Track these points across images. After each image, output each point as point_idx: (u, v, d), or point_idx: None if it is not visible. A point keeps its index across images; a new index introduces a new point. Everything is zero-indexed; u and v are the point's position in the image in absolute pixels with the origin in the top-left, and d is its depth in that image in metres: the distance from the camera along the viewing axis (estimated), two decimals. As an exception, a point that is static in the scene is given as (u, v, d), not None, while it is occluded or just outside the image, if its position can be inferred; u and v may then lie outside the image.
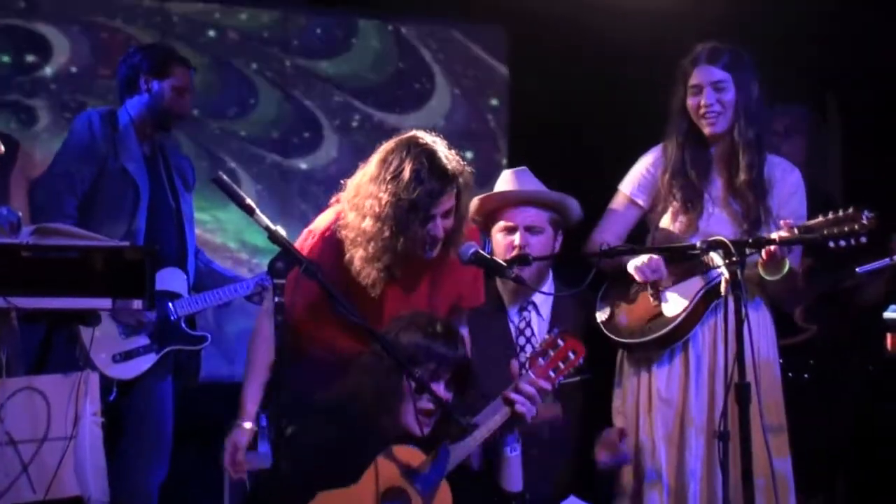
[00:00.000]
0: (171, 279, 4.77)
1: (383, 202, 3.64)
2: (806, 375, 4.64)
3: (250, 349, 3.87)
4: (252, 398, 3.77)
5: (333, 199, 3.90)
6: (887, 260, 4.05)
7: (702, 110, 4.08)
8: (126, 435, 4.77)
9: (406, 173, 3.63)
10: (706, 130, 4.10)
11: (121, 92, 4.90)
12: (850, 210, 3.74)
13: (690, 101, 4.11)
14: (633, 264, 4.06)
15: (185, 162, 5.09)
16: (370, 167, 3.73)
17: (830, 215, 3.76)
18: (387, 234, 3.66)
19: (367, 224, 3.67)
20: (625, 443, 4.10)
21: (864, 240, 3.73)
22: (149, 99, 4.82)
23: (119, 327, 4.65)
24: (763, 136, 4.12)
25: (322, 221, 3.88)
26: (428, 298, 3.87)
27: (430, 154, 3.67)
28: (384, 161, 3.69)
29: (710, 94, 4.07)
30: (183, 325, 4.78)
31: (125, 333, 4.66)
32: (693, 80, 4.10)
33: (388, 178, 3.66)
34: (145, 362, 4.70)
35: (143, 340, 4.70)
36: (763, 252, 3.87)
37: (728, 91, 4.07)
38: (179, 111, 4.89)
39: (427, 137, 3.74)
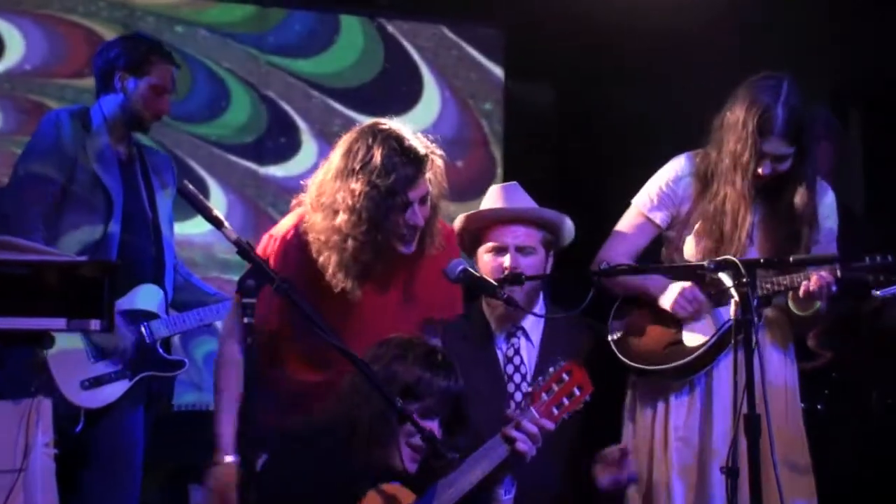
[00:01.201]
0: (146, 297, 4.72)
1: (357, 193, 3.67)
2: (819, 406, 4.65)
3: (218, 376, 3.86)
4: (228, 430, 3.75)
5: (294, 203, 3.93)
6: (907, 285, 4.07)
7: (759, 172, 4.04)
8: (91, 468, 4.69)
9: (377, 159, 3.67)
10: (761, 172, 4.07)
11: (96, 86, 4.83)
12: (889, 257, 3.80)
13: (753, 161, 4.03)
14: (667, 301, 4.08)
15: (163, 160, 5.03)
16: (333, 162, 3.76)
17: (867, 261, 3.80)
18: (364, 227, 3.68)
19: (341, 220, 3.69)
20: (628, 461, 4.05)
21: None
22: (124, 98, 4.75)
23: (89, 350, 4.60)
24: (815, 173, 4.14)
25: (283, 225, 3.91)
26: (402, 300, 3.89)
27: (398, 137, 3.72)
28: (349, 152, 3.72)
29: (768, 167, 4.03)
30: (159, 348, 4.74)
31: (95, 357, 4.61)
32: (762, 148, 4.01)
33: (358, 167, 3.68)
34: (117, 389, 4.64)
35: (114, 365, 4.63)
36: (801, 289, 3.90)
37: (788, 161, 4.04)
38: (157, 112, 4.82)
39: (390, 122, 3.78)
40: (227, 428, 3.76)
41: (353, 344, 3.43)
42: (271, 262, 3.75)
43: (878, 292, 3.85)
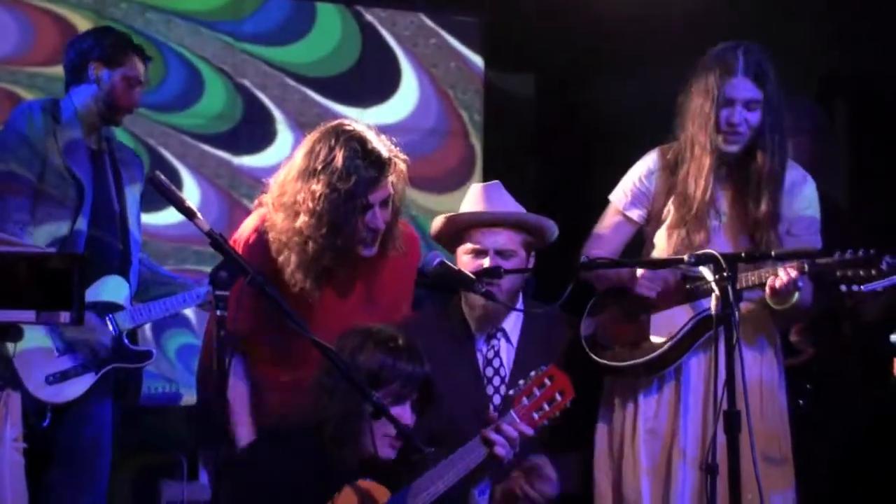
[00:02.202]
0: (111, 289, 4.73)
1: (317, 195, 3.70)
2: (801, 402, 4.67)
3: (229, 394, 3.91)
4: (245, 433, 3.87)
5: (256, 203, 3.95)
6: (894, 278, 4.08)
7: (727, 127, 4.05)
8: (57, 464, 4.70)
9: (339, 161, 3.71)
10: (722, 147, 4.08)
11: (66, 78, 4.86)
12: (871, 252, 3.76)
13: (719, 114, 4.06)
14: (635, 286, 4.11)
15: (131, 155, 5.06)
16: (296, 162, 3.79)
17: (848, 255, 3.78)
18: (324, 230, 3.72)
19: (301, 222, 3.72)
20: (551, 473, 4.02)
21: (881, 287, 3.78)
22: (97, 89, 4.78)
23: (54, 344, 4.61)
24: (785, 149, 4.13)
25: (246, 227, 3.95)
26: (362, 303, 3.91)
27: (361, 140, 3.76)
28: (312, 152, 3.76)
29: (739, 113, 4.05)
30: (125, 340, 4.75)
31: (60, 351, 4.62)
32: (724, 93, 4.04)
33: (320, 168, 3.73)
34: (83, 383, 4.65)
35: (80, 359, 4.64)
36: (767, 287, 3.91)
37: (757, 113, 4.06)
38: (129, 104, 4.85)
39: (354, 124, 3.82)
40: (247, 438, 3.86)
41: (314, 355, 3.46)
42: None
43: (862, 288, 3.86)
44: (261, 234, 3.87)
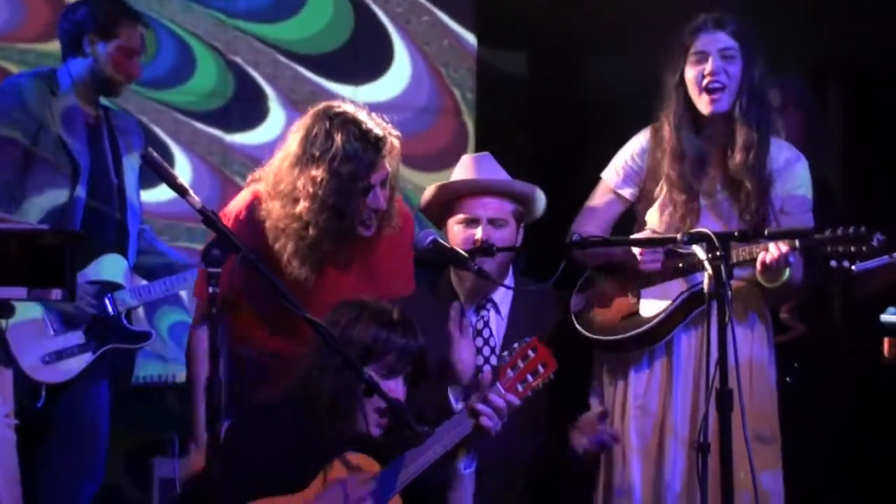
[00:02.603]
0: (109, 268, 4.72)
1: (318, 180, 3.72)
2: (788, 379, 4.69)
3: (192, 365, 3.95)
4: (202, 419, 3.77)
5: (249, 180, 3.95)
6: (886, 258, 4.09)
7: (706, 80, 4.04)
8: (54, 444, 4.70)
9: (338, 146, 3.74)
10: (706, 108, 4.07)
11: (63, 49, 4.81)
12: (862, 229, 3.76)
13: (692, 71, 4.07)
14: (640, 265, 4.11)
15: (131, 123, 5.03)
16: (290, 149, 3.80)
17: (839, 231, 3.77)
18: (326, 214, 3.73)
19: (302, 207, 3.73)
20: (605, 424, 4.10)
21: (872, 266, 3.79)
22: (92, 61, 4.74)
23: (51, 324, 4.60)
24: (768, 119, 4.13)
25: (237, 203, 3.96)
26: (359, 282, 3.93)
27: (356, 122, 3.78)
28: (307, 138, 3.78)
29: (716, 62, 4.03)
30: (123, 320, 4.74)
31: (56, 330, 4.62)
32: (697, 47, 4.06)
33: (318, 154, 3.75)
34: (79, 363, 4.64)
35: (77, 339, 4.64)
36: (758, 262, 3.92)
37: (735, 62, 4.05)
38: (128, 75, 4.81)
39: (344, 105, 3.83)
40: (203, 418, 3.79)
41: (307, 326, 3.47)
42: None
43: (853, 267, 3.87)
44: (253, 214, 3.87)
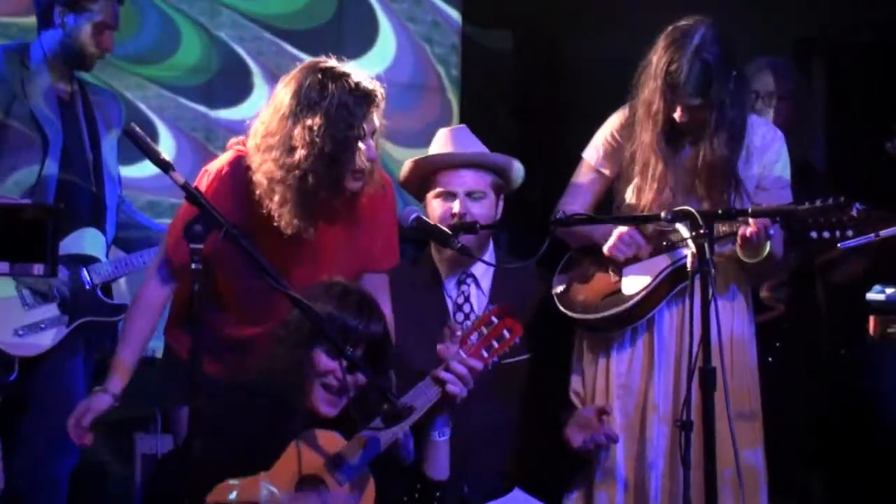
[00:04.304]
0: (85, 241, 4.69)
1: (316, 127, 3.74)
2: (770, 359, 4.70)
3: (129, 316, 3.95)
4: (123, 371, 3.85)
5: (231, 143, 3.95)
6: (871, 236, 4.10)
7: (676, 118, 4.06)
8: (31, 418, 4.69)
9: (335, 96, 3.75)
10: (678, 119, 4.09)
11: (37, 23, 4.77)
12: (841, 199, 3.75)
13: (663, 111, 4.08)
14: (606, 246, 4.12)
15: (109, 98, 4.99)
16: (282, 102, 3.81)
17: (818, 203, 3.76)
18: (323, 161, 3.75)
19: (300, 155, 3.74)
20: (606, 422, 4.12)
21: (850, 233, 3.78)
22: (63, 35, 4.69)
23: (22, 296, 4.58)
24: (743, 99, 4.14)
25: (219, 160, 3.98)
26: (343, 241, 3.94)
27: (347, 74, 3.80)
28: (300, 90, 3.79)
29: (684, 113, 4.05)
30: (99, 293, 4.72)
31: (29, 304, 4.60)
32: (670, 98, 4.04)
33: (315, 103, 3.76)
34: (53, 337, 4.63)
35: (50, 311, 4.62)
36: (738, 236, 3.92)
37: (703, 111, 4.04)
38: (99, 50, 4.75)
39: (330, 61, 3.86)
40: (123, 369, 3.86)
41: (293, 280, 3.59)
42: (208, 197, 3.77)
43: (840, 245, 3.87)
44: (236, 167, 3.87)
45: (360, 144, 3.77)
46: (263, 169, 3.78)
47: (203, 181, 3.89)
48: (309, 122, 3.73)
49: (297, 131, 3.75)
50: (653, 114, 4.08)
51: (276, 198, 3.77)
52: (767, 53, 5.24)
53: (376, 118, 3.84)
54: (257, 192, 3.81)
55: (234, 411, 3.56)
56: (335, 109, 3.74)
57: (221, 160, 3.96)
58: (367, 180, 3.86)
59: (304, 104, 3.76)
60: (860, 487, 5.10)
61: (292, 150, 3.75)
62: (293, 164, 3.74)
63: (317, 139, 3.72)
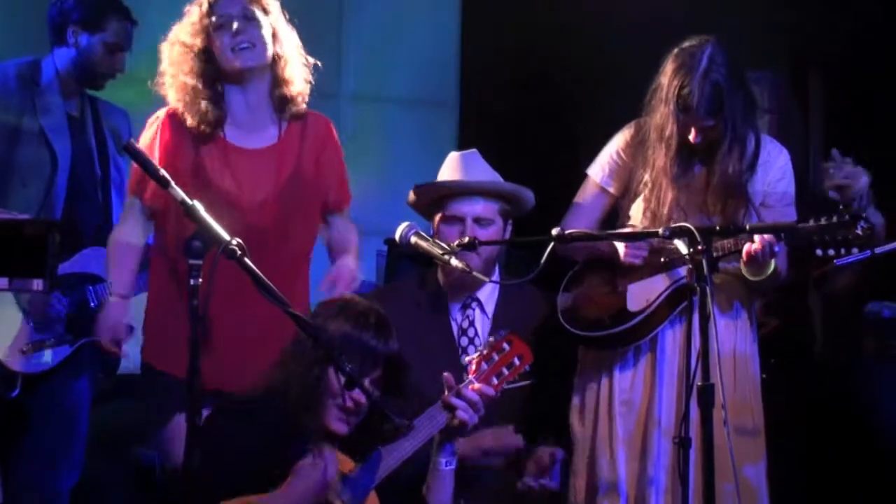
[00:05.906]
0: (91, 260, 4.67)
1: (185, 36, 4.08)
2: (764, 375, 4.69)
3: (111, 252, 4.19)
4: (124, 276, 4.12)
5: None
6: (868, 252, 4.09)
7: (689, 138, 4.08)
8: (32, 434, 4.68)
9: (203, 5, 4.09)
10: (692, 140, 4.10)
11: (49, 37, 4.78)
12: (846, 217, 3.76)
13: (676, 134, 4.09)
14: (621, 255, 4.15)
15: (120, 117, 4.99)
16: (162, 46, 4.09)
17: (823, 220, 3.76)
18: (198, 56, 4.06)
19: (178, 54, 4.08)
20: (557, 469, 4.12)
21: (854, 250, 3.78)
22: (76, 54, 4.71)
23: (27, 314, 4.56)
24: (751, 119, 4.14)
25: (156, 114, 4.15)
26: (290, 179, 4.12)
27: None
28: (179, 26, 4.10)
29: (695, 136, 4.06)
30: None
31: (34, 322, 4.57)
32: (682, 120, 4.05)
33: (185, 22, 4.10)
34: (56, 355, 4.62)
35: (55, 330, 4.61)
36: (743, 253, 3.93)
37: (715, 129, 4.06)
38: (109, 71, 4.79)
39: None
40: (124, 276, 4.11)
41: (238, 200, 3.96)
42: (164, 143, 4.05)
43: (836, 262, 3.87)
44: (168, 115, 4.10)
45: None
46: (171, 94, 4.08)
47: (154, 126, 4.10)
48: (182, 37, 4.07)
49: (177, 47, 4.08)
50: (666, 138, 4.08)
51: (183, 97, 4.07)
52: (764, 67, 5.23)
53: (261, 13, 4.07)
54: (176, 99, 4.07)
55: (245, 426, 3.53)
56: (204, 13, 4.09)
57: (157, 114, 4.13)
58: (284, 108, 4.11)
59: (178, 29, 4.11)
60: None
61: (180, 62, 4.07)
62: (177, 62, 4.07)
63: (188, 40, 4.05)
